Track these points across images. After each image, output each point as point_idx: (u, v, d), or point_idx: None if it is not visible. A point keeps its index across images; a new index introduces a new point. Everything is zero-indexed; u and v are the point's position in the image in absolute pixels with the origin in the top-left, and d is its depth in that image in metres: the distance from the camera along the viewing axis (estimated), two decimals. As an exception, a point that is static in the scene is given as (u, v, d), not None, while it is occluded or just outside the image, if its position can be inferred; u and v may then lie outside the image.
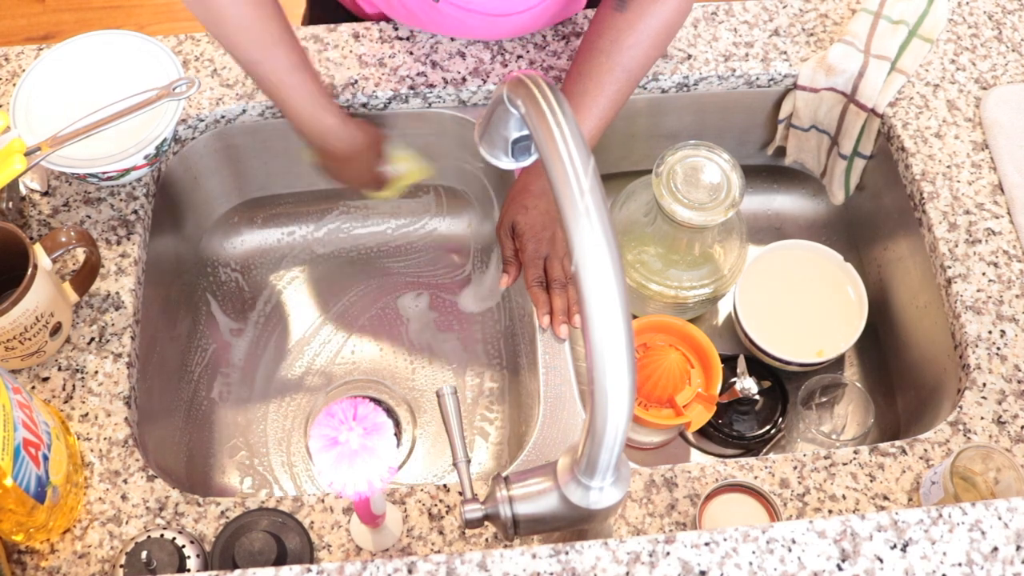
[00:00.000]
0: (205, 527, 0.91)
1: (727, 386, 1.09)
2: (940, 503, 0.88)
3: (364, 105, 1.16)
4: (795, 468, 0.95)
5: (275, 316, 1.23)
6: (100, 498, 0.93)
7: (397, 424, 1.16)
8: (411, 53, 1.17)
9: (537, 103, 0.63)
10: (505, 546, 0.90)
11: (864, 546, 0.71)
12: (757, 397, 1.10)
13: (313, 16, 1.32)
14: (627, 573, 0.70)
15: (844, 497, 0.94)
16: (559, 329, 1.05)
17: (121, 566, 0.86)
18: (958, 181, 1.11)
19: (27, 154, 0.95)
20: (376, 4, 1.18)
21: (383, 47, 1.18)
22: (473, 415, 1.18)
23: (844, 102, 1.17)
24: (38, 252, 0.93)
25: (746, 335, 1.14)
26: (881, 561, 0.71)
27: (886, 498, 0.94)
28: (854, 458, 0.96)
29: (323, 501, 0.93)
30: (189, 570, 0.86)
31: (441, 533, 0.92)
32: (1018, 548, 0.71)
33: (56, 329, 0.97)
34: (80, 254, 1.04)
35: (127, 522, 0.92)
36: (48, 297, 0.94)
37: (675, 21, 1.04)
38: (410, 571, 0.70)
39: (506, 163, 0.84)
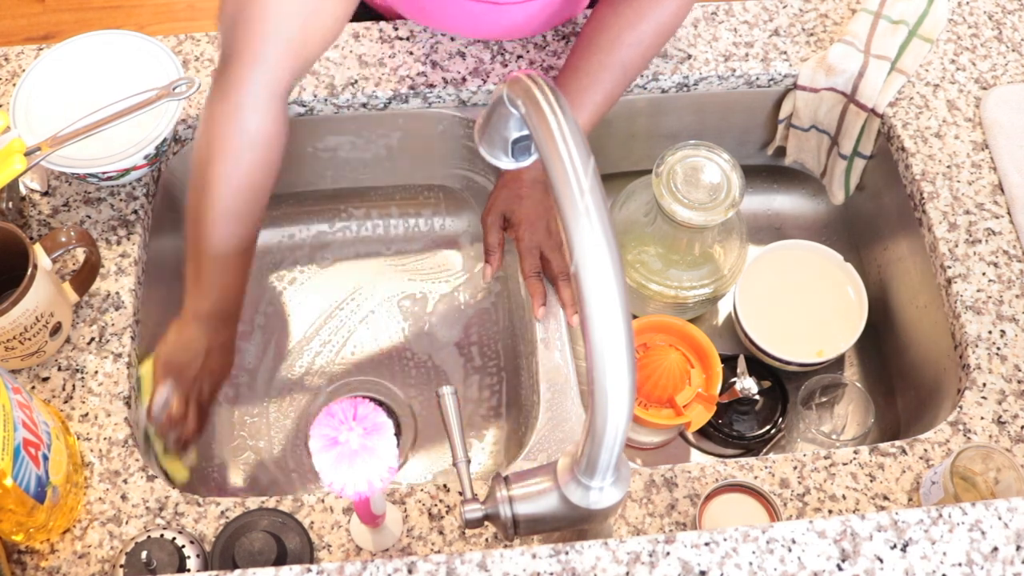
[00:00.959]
0: (205, 527, 0.91)
1: (727, 386, 1.09)
2: (940, 503, 0.88)
3: (364, 105, 1.16)
4: (795, 468, 0.95)
5: (275, 316, 1.23)
6: (100, 498, 0.93)
7: (397, 424, 1.16)
8: (411, 53, 1.17)
9: (537, 103, 0.63)
10: (505, 546, 0.90)
11: (864, 546, 0.71)
12: (757, 397, 1.10)
13: None
14: (627, 573, 0.70)
15: (844, 497, 0.94)
16: (572, 319, 1.05)
17: (121, 566, 0.86)
18: (958, 181, 1.11)
19: (27, 154, 0.95)
20: None
21: (383, 47, 1.18)
22: (473, 415, 1.18)
23: (844, 102, 1.17)
24: (38, 252, 0.93)
25: (746, 335, 1.14)
26: (881, 561, 0.71)
27: (886, 498, 0.94)
28: (854, 458, 0.96)
29: (323, 501, 0.93)
30: (189, 570, 0.86)
31: (441, 533, 0.92)
32: (1018, 548, 0.71)
33: (56, 329, 0.97)
34: (80, 254, 1.04)
35: (127, 522, 0.92)
36: (48, 297, 0.94)
37: (674, 22, 1.04)
38: (410, 571, 0.70)
39: (506, 163, 0.83)
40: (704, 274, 1.10)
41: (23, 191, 1.07)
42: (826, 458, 0.96)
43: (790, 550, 0.71)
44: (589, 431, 0.63)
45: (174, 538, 0.87)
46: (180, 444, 0.98)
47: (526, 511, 0.73)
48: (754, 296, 1.16)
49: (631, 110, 1.21)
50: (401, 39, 1.18)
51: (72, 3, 2.42)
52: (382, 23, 1.19)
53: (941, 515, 0.73)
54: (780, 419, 1.12)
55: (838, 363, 1.20)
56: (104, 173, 1.03)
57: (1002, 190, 1.10)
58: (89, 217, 1.07)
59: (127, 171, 1.05)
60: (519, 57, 1.17)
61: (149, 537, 0.87)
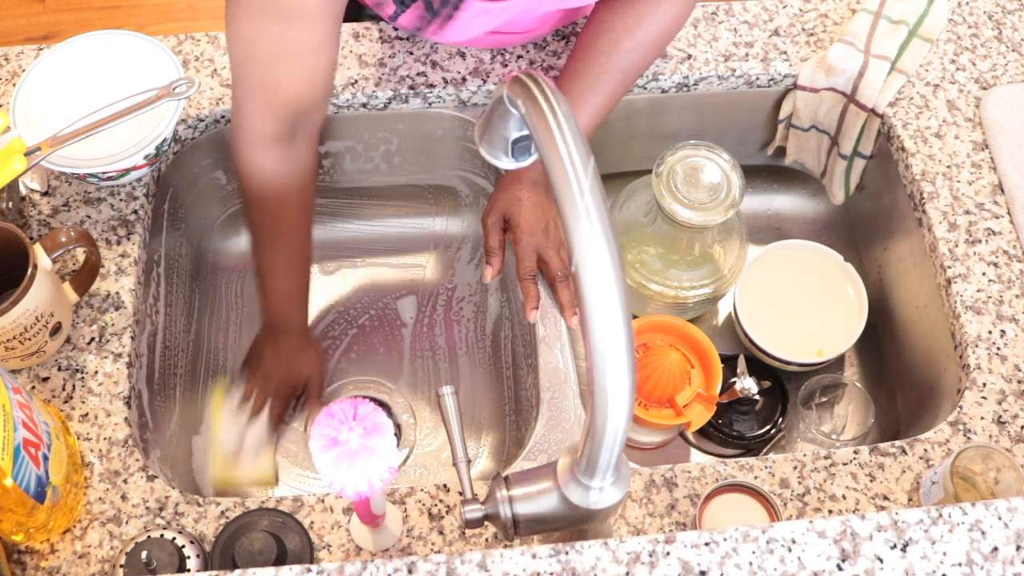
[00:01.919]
0: (205, 527, 0.91)
1: (727, 386, 1.09)
2: (940, 503, 0.88)
3: (364, 105, 1.16)
4: (795, 468, 0.95)
5: (275, 316, 1.23)
6: (100, 498, 0.93)
7: (397, 424, 1.16)
8: (411, 53, 1.17)
9: (537, 103, 0.63)
10: (505, 546, 0.90)
11: (864, 546, 0.71)
12: (757, 397, 1.10)
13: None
14: (627, 573, 0.70)
15: (844, 497, 0.94)
16: (572, 321, 1.05)
17: (121, 566, 0.86)
18: (958, 181, 1.11)
19: (27, 154, 0.95)
20: None
21: (383, 47, 1.18)
22: (473, 415, 1.18)
23: (844, 102, 1.17)
24: (38, 252, 0.93)
25: (746, 335, 1.14)
26: (881, 561, 0.71)
27: (886, 498, 0.94)
28: (854, 458, 0.96)
29: (323, 501, 0.93)
30: (189, 570, 0.86)
31: (441, 533, 0.92)
32: (1018, 548, 0.71)
33: (56, 329, 0.97)
34: (80, 254, 1.04)
35: (127, 522, 0.91)
36: (48, 297, 0.94)
37: (674, 27, 1.05)
38: (410, 571, 0.70)
39: (506, 163, 0.83)
40: (704, 274, 1.10)
41: (23, 191, 1.07)
42: (826, 458, 0.96)
43: (790, 550, 0.71)
44: (589, 431, 0.63)
45: (174, 538, 0.87)
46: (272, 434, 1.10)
47: (526, 511, 0.73)
48: (754, 296, 1.16)
49: (631, 110, 1.21)
50: (401, 39, 1.18)
51: (72, 3, 2.42)
52: (382, 23, 1.19)
53: (941, 515, 0.73)
54: (780, 419, 1.12)
55: (838, 363, 1.20)
56: (104, 173, 1.03)
57: (1002, 190, 1.10)
58: (89, 217, 1.07)
59: (127, 171, 1.05)
60: (519, 57, 1.18)
61: (149, 537, 0.87)
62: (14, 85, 1.12)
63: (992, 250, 1.06)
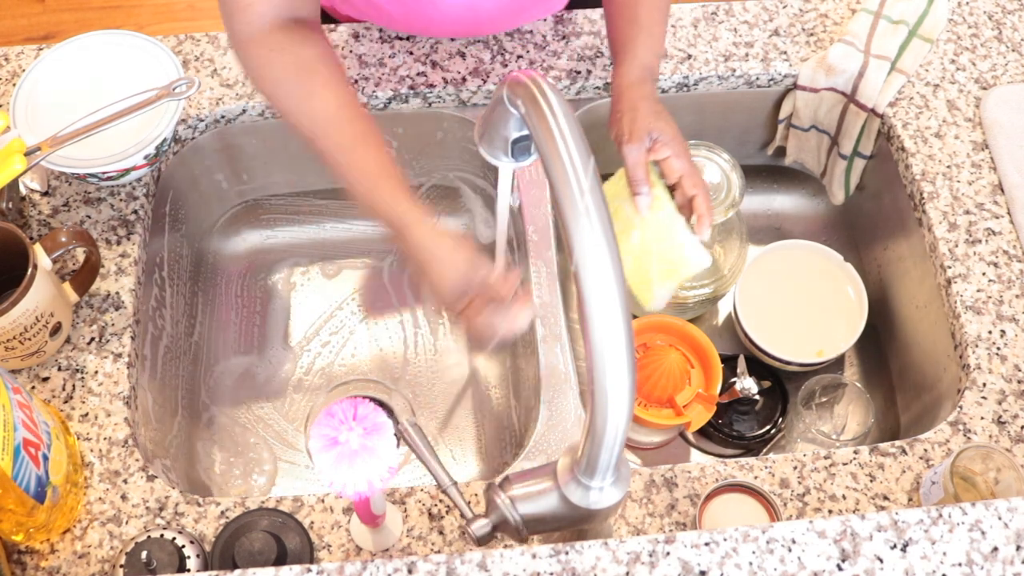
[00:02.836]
0: (205, 527, 0.91)
1: (727, 386, 1.09)
2: (940, 503, 0.88)
3: (364, 105, 1.16)
4: (795, 468, 0.95)
5: (275, 316, 1.23)
6: (100, 498, 0.93)
7: (397, 424, 1.16)
8: (411, 53, 1.17)
9: (537, 103, 0.63)
10: (505, 546, 0.90)
11: (864, 546, 0.71)
12: (757, 397, 1.10)
13: None
14: (627, 573, 0.70)
15: (844, 497, 0.94)
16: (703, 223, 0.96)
17: (121, 566, 0.86)
18: (958, 181, 1.11)
19: (27, 154, 0.95)
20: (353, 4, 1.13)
21: (383, 47, 1.18)
22: (473, 415, 1.18)
23: (844, 102, 1.17)
24: (38, 252, 0.93)
25: (746, 335, 1.14)
26: (881, 561, 0.71)
27: (886, 498, 0.94)
28: (854, 458, 0.96)
29: (323, 501, 0.93)
30: (189, 570, 0.86)
31: (441, 533, 0.92)
32: (1018, 548, 0.71)
33: (56, 329, 0.97)
34: (80, 254, 1.04)
35: (127, 522, 0.92)
36: (48, 297, 0.94)
37: None
38: (410, 571, 0.70)
39: (506, 163, 0.83)
40: (704, 274, 1.10)
41: (23, 191, 1.07)
42: (826, 458, 0.96)
43: (790, 550, 0.71)
44: (589, 431, 0.63)
45: (174, 538, 0.87)
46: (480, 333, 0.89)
47: (527, 511, 0.73)
48: (754, 296, 1.16)
49: (631, 110, 1.21)
50: (401, 39, 1.18)
51: (72, 3, 2.42)
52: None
53: (941, 515, 0.73)
54: (780, 419, 1.12)
55: (838, 363, 1.20)
56: (104, 173, 1.03)
57: (1002, 190, 1.10)
58: (89, 217, 1.07)
59: (127, 171, 1.05)
60: (519, 57, 1.18)
61: (149, 537, 0.87)
62: (14, 85, 1.12)
63: (992, 250, 1.06)
